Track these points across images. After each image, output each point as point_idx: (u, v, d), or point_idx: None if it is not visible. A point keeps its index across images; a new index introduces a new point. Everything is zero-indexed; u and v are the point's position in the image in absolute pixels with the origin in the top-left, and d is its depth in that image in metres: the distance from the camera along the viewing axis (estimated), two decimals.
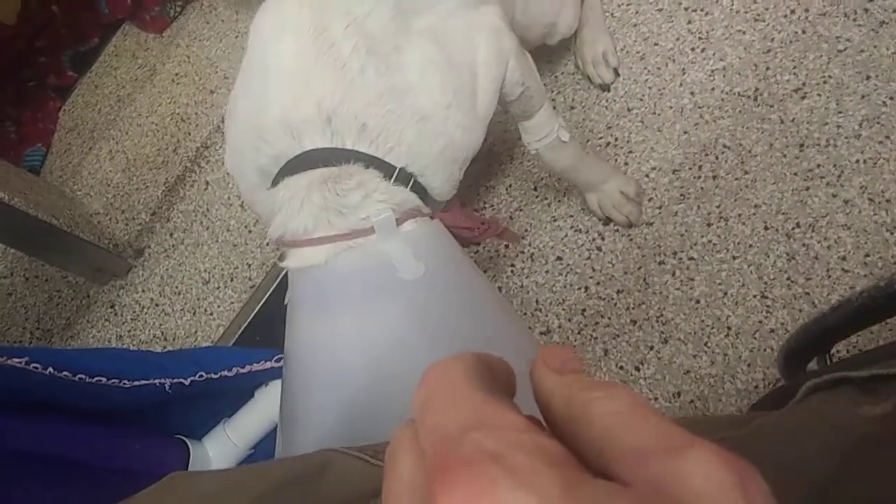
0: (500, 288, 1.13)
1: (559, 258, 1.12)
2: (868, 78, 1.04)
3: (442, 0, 0.75)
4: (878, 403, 0.26)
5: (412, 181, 0.72)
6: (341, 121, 0.68)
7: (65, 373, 0.85)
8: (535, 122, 0.91)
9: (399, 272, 0.66)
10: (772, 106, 1.08)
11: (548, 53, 1.26)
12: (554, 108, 1.24)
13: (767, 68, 1.11)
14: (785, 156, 1.04)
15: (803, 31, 1.11)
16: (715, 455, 0.16)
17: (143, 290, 1.44)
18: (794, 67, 1.10)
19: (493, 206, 1.20)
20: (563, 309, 1.08)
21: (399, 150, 0.70)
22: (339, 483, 0.35)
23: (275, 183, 0.72)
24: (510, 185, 1.21)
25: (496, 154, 1.24)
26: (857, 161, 1.00)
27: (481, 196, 1.22)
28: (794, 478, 0.25)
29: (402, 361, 0.63)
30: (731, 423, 0.32)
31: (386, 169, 0.69)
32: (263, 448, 1.06)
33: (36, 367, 0.82)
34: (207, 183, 1.51)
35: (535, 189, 1.19)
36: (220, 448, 1.04)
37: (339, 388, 0.64)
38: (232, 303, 1.34)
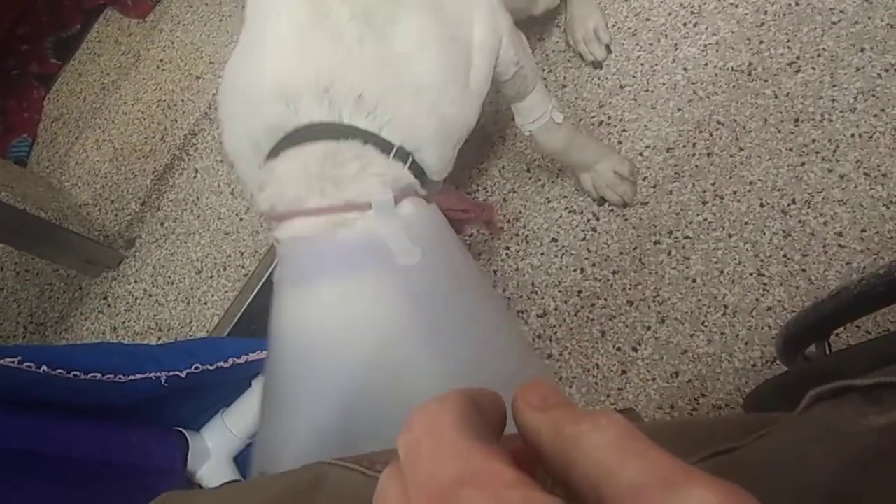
0: (495, 271, 1.12)
1: (554, 240, 1.11)
2: (862, 50, 1.03)
3: None
4: (883, 413, 0.26)
5: (410, 160, 0.71)
6: (338, 90, 0.67)
7: (59, 370, 0.84)
8: (528, 103, 0.90)
9: (394, 257, 0.65)
10: (766, 80, 1.07)
11: (539, 31, 1.25)
12: (546, 87, 1.22)
13: (761, 42, 1.10)
14: (779, 131, 1.03)
15: (796, 4, 1.10)
16: (712, 491, 0.16)
17: (136, 281, 1.42)
18: (788, 41, 1.08)
19: (485, 188, 1.19)
20: (560, 291, 1.07)
21: (396, 123, 0.69)
22: (336, 497, 0.35)
23: (273, 155, 0.70)
24: (503, 167, 1.20)
25: (488, 135, 1.22)
26: (853, 135, 0.99)
27: (474, 178, 1.20)
28: (799, 496, 0.25)
29: (396, 345, 0.62)
30: (727, 431, 0.32)
31: (384, 145, 0.68)
32: None
33: (29, 367, 0.81)
34: (196, 170, 1.49)
35: (529, 170, 1.17)
36: (218, 439, 1.04)
37: (331, 370, 0.63)
38: (226, 292, 1.34)
